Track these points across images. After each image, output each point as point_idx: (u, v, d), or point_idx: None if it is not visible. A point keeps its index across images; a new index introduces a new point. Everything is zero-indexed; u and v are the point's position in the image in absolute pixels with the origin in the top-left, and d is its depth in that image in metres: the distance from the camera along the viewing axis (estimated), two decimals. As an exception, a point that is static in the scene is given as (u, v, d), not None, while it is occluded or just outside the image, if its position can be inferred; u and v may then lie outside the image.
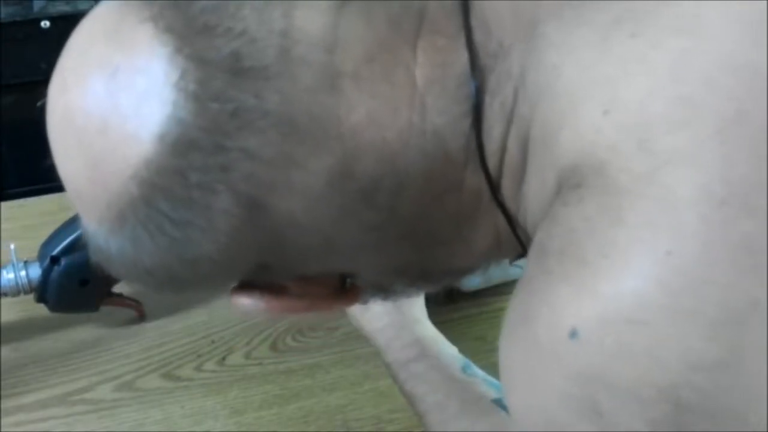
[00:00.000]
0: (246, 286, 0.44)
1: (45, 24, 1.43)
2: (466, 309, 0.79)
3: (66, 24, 1.41)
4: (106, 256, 0.41)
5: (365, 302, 0.49)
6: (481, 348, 0.67)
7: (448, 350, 0.66)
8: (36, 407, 0.69)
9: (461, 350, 0.67)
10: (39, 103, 0.40)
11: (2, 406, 0.69)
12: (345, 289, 0.46)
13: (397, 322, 0.68)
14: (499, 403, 0.59)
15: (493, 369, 0.71)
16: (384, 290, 0.48)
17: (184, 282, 0.41)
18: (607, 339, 0.32)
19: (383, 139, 0.38)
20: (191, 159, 0.36)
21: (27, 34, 1.42)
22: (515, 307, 0.36)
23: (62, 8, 1.47)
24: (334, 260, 0.42)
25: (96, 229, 0.40)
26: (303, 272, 0.43)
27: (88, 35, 0.39)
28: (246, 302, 0.44)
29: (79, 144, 0.38)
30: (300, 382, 0.72)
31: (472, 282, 0.79)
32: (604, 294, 0.32)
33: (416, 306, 0.70)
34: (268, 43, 0.36)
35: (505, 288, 0.80)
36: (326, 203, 0.38)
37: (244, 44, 0.35)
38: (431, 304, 0.72)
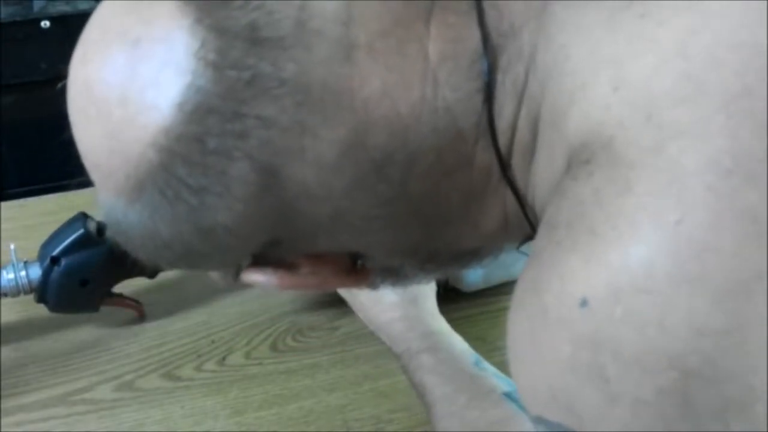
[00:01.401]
0: (258, 262, 0.45)
1: (45, 24, 1.43)
2: (466, 309, 0.79)
3: (66, 24, 1.41)
4: (123, 230, 0.41)
5: (375, 285, 0.49)
6: (482, 348, 0.67)
7: (461, 345, 0.67)
8: (36, 407, 0.69)
9: (461, 350, 0.67)
10: (59, 85, 0.41)
11: (2, 406, 0.69)
12: (355, 269, 0.47)
13: (411, 314, 0.68)
14: (510, 397, 0.59)
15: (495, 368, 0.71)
16: (393, 273, 0.49)
17: (199, 255, 0.42)
18: (616, 307, 0.32)
19: (396, 112, 0.39)
20: (209, 125, 0.37)
21: (27, 34, 1.43)
22: (523, 279, 0.37)
23: (62, 8, 1.47)
24: (344, 236, 0.43)
25: (114, 202, 0.40)
26: (314, 249, 0.44)
27: (109, 10, 0.40)
28: (259, 278, 0.45)
29: (98, 114, 0.39)
30: (300, 382, 0.72)
31: (473, 282, 0.79)
32: (613, 263, 0.32)
33: (430, 300, 0.71)
34: (284, 14, 0.37)
35: (505, 288, 0.80)
36: (338, 174, 0.39)
37: (262, 15, 0.37)
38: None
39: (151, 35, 0.37)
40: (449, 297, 0.78)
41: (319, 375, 0.73)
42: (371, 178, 0.40)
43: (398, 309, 0.69)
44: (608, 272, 0.32)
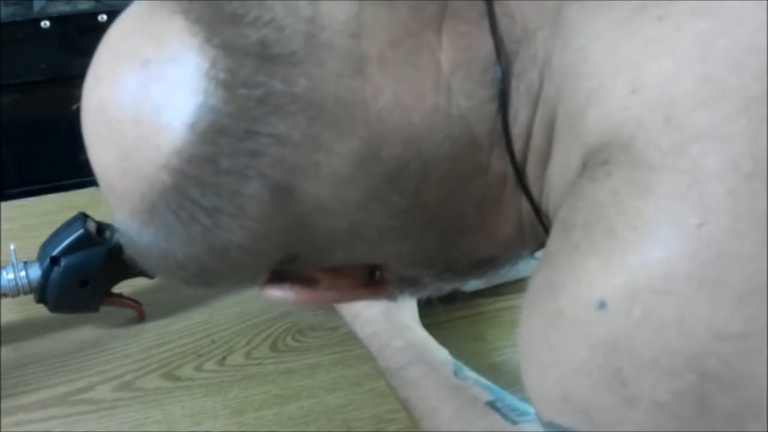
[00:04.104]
0: (276, 278, 0.44)
1: (45, 24, 1.43)
2: (466, 309, 0.79)
3: (66, 24, 1.41)
4: (138, 250, 0.41)
5: (394, 297, 0.49)
6: (481, 348, 0.67)
7: (439, 354, 0.66)
8: (36, 407, 0.69)
9: (461, 350, 0.67)
10: (74, 107, 0.41)
11: (2, 406, 0.69)
12: (373, 281, 0.47)
13: (385, 330, 0.68)
14: (493, 406, 0.59)
15: (493, 369, 0.71)
16: (411, 283, 0.49)
17: (214, 274, 0.42)
18: (634, 310, 0.32)
19: (409, 122, 0.38)
20: (221, 145, 0.37)
21: (27, 34, 1.42)
22: (537, 281, 0.37)
23: (62, 8, 1.47)
24: (360, 249, 0.43)
25: (129, 223, 0.40)
26: (330, 262, 0.44)
27: (120, 31, 0.40)
28: (276, 294, 0.45)
29: (111, 135, 0.39)
30: (300, 382, 0.72)
31: (472, 282, 0.78)
32: (632, 265, 0.32)
33: (405, 311, 0.70)
34: (295, 29, 0.37)
35: (505, 288, 0.80)
36: (353, 187, 0.39)
37: (272, 31, 0.36)
38: (432, 304, 0.72)
39: (162, 56, 0.37)
40: (449, 297, 0.78)
41: (320, 375, 0.73)
42: (386, 189, 0.40)
43: (374, 324, 0.69)
44: (626, 274, 0.32)
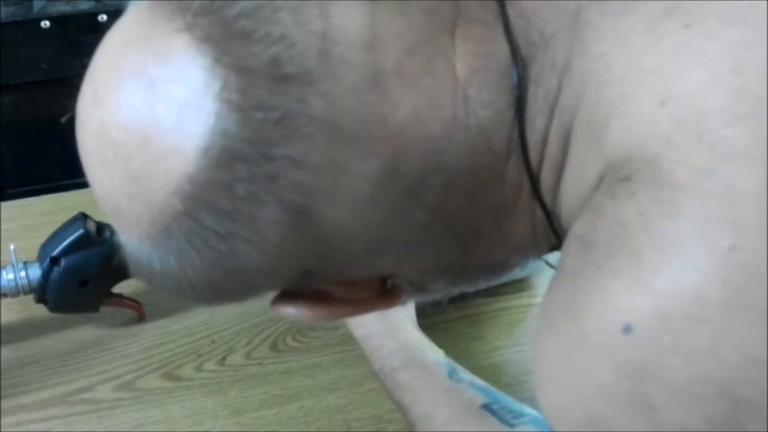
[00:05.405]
0: (289, 294, 0.43)
1: (45, 24, 1.42)
2: (466, 309, 0.79)
3: (66, 24, 1.41)
4: (147, 272, 0.40)
5: (405, 303, 0.48)
6: (481, 348, 0.67)
7: (434, 356, 0.65)
8: (36, 407, 0.69)
9: (461, 350, 0.67)
10: (64, 119, 0.39)
11: (2, 406, 0.69)
12: (386, 290, 0.46)
13: (379, 331, 0.67)
14: (488, 408, 0.59)
15: (493, 369, 0.71)
16: (424, 289, 0.48)
17: (227, 293, 0.41)
18: (665, 335, 0.31)
19: (428, 134, 0.37)
20: (237, 171, 0.35)
21: (27, 34, 1.42)
22: (554, 299, 0.36)
23: (62, 8, 1.47)
24: (378, 263, 0.42)
25: (137, 246, 0.39)
26: (346, 276, 0.43)
27: (118, 44, 0.38)
28: (290, 311, 0.43)
29: (116, 159, 0.37)
30: (300, 382, 0.72)
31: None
32: (661, 290, 0.32)
33: (400, 312, 0.69)
34: (307, 45, 0.35)
35: (505, 288, 0.80)
36: (374, 206, 0.38)
37: (284, 49, 0.35)
38: (431, 304, 0.72)
39: (167, 75, 0.35)
40: (449, 297, 0.78)
41: (320, 375, 0.73)
42: (407, 205, 0.38)
43: (367, 326, 0.68)
44: (655, 299, 0.32)
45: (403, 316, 0.69)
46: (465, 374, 0.63)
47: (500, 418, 0.57)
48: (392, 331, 0.67)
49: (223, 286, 0.39)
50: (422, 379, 0.63)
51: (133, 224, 0.38)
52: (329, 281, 0.43)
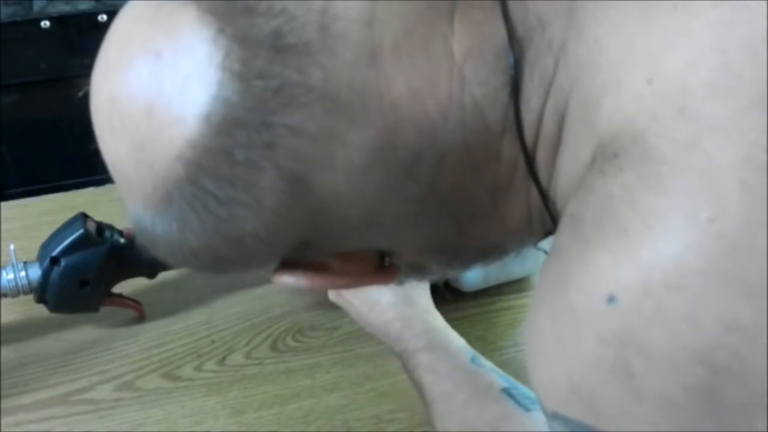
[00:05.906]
0: (288, 264, 0.45)
1: (45, 24, 1.43)
2: (466, 309, 0.79)
3: (66, 24, 1.41)
4: (151, 239, 0.41)
5: (401, 282, 0.49)
6: (482, 348, 0.67)
7: (457, 341, 0.66)
8: (36, 407, 0.69)
9: (461, 350, 0.67)
10: (80, 93, 0.41)
11: (2, 406, 0.69)
12: (383, 267, 0.47)
13: (407, 313, 0.68)
14: (508, 393, 0.59)
15: (493, 369, 0.71)
16: (420, 270, 0.49)
17: (228, 261, 0.42)
18: (646, 304, 0.32)
19: (423, 111, 0.39)
20: (236, 137, 0.37)
21: (27, 34, 1.42)
22: (546, 274, 0.37)
23: (62, 8, 1.47)
24: (374, 236, 0.43)
25: (142, 212, 0.41)
26: (343, 248, 0.44)
27: (129, 20, 0.40)
28: (289, 280, 0.45)
29: (124, 127, 0.39)
30: (300, 382, 0.72)
31: (473, 282, 0.79)
32: (644, 261, 0.32)
33: (424, 297, 0.71)
34: (308, 19, 0.37)
35: (505, 288, 0.81)
36: (368, 177, 0.39)
37: (285, 22, 0.36)
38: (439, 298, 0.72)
39: (174, 47, 0.37)
40: (449, 297, 0.78)
41: (319, 375, 0.73)
42: (401, 178, 0.40)
43: (394, 309, 0.69)
44: (638, 269, 0.32)
45: (427, 302, 0.71)
46: (486, 361, 0.64)
47: (518, 402, 0.58)
48: (420, 314, 0.68)
49: (223, 254, 0.41)
50: (445, 360, 0.64)
51: (139, 191, 0.40)
52: (327, 254, 0.45)
